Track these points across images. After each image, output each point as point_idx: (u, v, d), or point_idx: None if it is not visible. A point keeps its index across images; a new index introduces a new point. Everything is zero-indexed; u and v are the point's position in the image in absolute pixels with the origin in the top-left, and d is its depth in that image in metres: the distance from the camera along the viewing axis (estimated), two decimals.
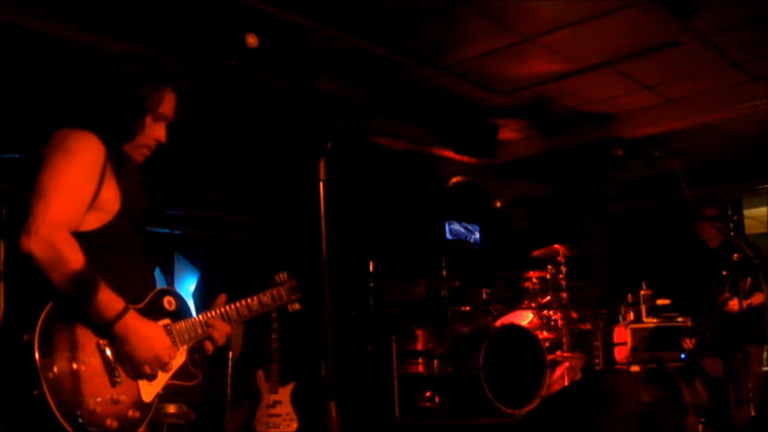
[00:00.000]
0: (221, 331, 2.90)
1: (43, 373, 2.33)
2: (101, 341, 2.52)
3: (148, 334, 2.60)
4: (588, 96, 7.69)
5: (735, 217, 9.44)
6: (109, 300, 2.50)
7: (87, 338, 2.49)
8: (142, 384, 2.63)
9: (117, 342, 2.54)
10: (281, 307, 3.22)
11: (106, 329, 2.51)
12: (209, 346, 2.89)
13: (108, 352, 2.53)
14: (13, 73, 5.67)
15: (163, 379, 2.70)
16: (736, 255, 5.95)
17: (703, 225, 6.91)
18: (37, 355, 2.33)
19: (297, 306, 3.30)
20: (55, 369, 2.37)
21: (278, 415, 6.21)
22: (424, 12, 5.78)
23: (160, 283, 3.02)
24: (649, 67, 6.89)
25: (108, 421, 2.45)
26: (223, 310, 2.96)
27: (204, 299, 2.98)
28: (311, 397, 6.08)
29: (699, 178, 7.29)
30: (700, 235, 7.03)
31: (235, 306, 3.02)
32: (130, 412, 2.55)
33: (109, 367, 2.52)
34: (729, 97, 7.58)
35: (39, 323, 2.38)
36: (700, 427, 5.71)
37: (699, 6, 5.68)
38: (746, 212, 10.70)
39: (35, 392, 2.31)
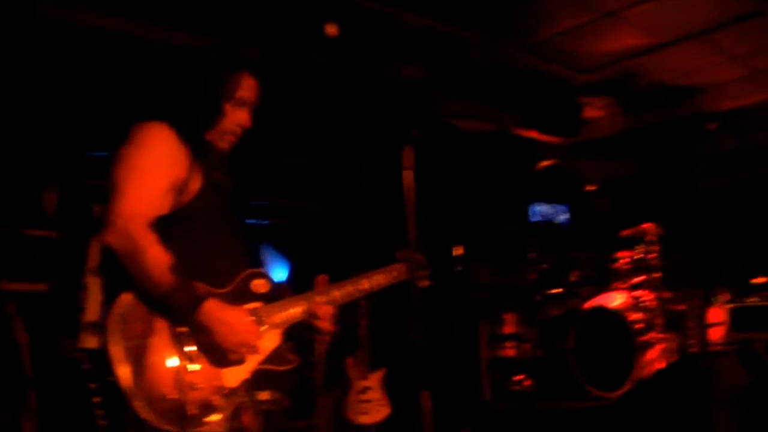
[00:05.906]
0: (325, 315, 2.92)
1: (115, 360, 2.38)
2: (180, 329, 2.51)
3: (231, 320, 2.57)
4: (674, 70, 7.49)
5: None
6: (187, 289, 2.50)
7: (164, 326, 2.50)
8: (226, 369, 2.62)
9: (198, 331, 2.53)
10: (404, 284, 3.12)
11: (185, 318, 2.51)
12: (322, 329, 2.92)
13: (187, 339, 2.51)
14: (102, 72, 5.82)
15: (250, 364, 2.68)
16: None
17: None
18: (109, 343, 2.39)
19: (426, 283, 3.22)
20: (129, 356, 2.41)
21: (369, 401, 6.24)
22: None
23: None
24: (736, 37, 6.67)
25: (187, 407, 2.46)
26: (330, 292, 2.96)
27: (294, 287, 2.96)
28: (402, 382, 6.09)
29: None
30: None
31: (342, 287, 3.01)
32: (213, 398, 2.55)
33: (187, 355, 2.50)
34: None
35: (111, 313, 2.44)
36: None
37: None
38: None
39: (109, 378, 2.38)
